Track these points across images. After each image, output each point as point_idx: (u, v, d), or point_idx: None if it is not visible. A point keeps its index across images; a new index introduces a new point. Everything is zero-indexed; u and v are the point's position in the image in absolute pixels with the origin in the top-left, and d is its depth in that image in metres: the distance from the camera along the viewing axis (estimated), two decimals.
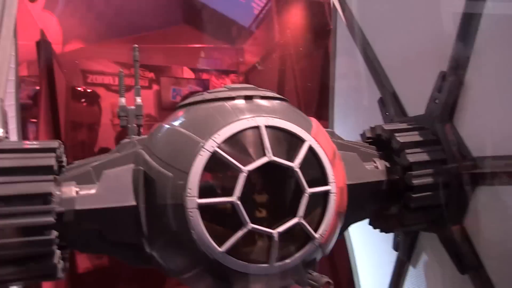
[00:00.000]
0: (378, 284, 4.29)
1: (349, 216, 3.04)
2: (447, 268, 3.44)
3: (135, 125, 3.02)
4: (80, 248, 2.72)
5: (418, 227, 3.30)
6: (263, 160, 2.30)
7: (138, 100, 3.04)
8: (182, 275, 2.53)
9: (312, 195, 2.40)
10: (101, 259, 7.81)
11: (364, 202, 3.07)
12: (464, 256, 3.16)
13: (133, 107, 3.02)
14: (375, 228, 3.40)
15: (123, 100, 3.00)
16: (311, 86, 6.73)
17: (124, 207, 2.43)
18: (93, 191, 2.45)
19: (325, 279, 2.44)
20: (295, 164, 2.35)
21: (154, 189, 2.38)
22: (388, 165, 3.08)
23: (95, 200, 2.43)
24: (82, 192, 2.44)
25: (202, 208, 2.27)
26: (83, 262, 7.61)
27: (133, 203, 2.42)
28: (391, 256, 4.01)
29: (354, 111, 4.67)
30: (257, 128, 2.39)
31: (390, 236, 3.92)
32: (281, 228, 2.30)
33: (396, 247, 3.82)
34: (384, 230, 3.32)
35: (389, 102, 3.77)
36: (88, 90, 7.74)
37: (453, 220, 3.18)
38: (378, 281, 4.30)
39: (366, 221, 4.10)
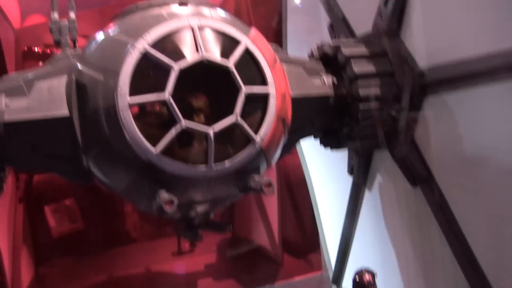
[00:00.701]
0: (336, 211, 4.30)
1: (297, 131, 3.02)
2: (400, 188, 3.45)
3: (69, 40, 2.90)
4: (16, 164, 2.64)
5: (368, 142, 3.28)
6: (196, 57, 2.23)
7: (72, 14, 2.92)
8: (120, 186, 2.47)
9: (250, 96, 2.34)
10: (76, 223, 7.76)
11: (312, 117, 3.03)
12: (415, 168, 3.17)
13: (66, 21, 2.90)
14: (325, 146, 3.38)
15: (55, 15, 2.88)
16: (267, 30, 6.62)
17: (56, 117, 2.34)
18: (24, 102, 2.35)
19: (267, 180, 2.40)
20: (230, 62, 2.28)
21: (86, 94, 2.30)
22: (335, 81, 3.04)
23: (26, 111, 2.34)
24: (12, 104, 2.34)
25: (133, 107, 2.20)
26: (58, 227, 7.56)
27: (66, 112, 2.34)
28: (349, 183, 4.02)
29: (307, 45, 4.60)
30: (190, 28, 2.31)
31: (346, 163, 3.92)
32: (217, 127, 2.24)
33: (350, 170, 3.82)
34: (334, 146, 3.30)
35: (339, 27, 3.72)
36: (47, 52, 7.50)
37: (402, 134, 3.17)
38: (336, 207, 4.32)
39: (324, 151, 4.12)
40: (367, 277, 2.55)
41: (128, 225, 7.93)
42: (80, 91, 2.31)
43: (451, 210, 3.01)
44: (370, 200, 3.87)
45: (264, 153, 2.46)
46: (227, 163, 2.34)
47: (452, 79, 2.79)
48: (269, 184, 2.38)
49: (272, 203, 5.80)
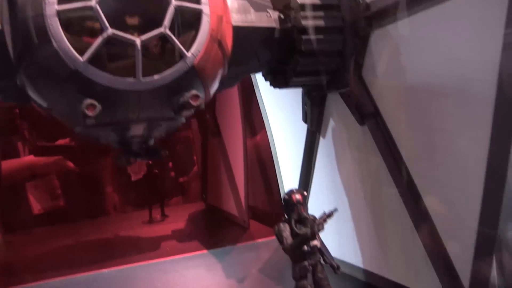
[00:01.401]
0: (294, 158, 4.30)
1: (241, 63, 3.01)
2: (350, 129, 3.46)
3: None
4: None
5: (314, 79, 3.27)
6: None
7: None
8: (51, 101, 2.44)
9: (182, 10, 2.32)
10: (57, 200, 7.76)
11: (257, 50, 3.02)
12: (362, 105, 3.17)
13: None
14: (274, 85, 3.37)
15: None
16: None
17: None
18: None
19: (194, 92, 2.39)
20: None
21: (16, 6, 2.27)
22: (282, 16, 3.03)
23: None
24: None
25: (61, 15, 2.18)
26: (39, 204, 7.57)
27: None
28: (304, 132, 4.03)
29: None
30: None
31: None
32: (144, 37, 2.22)
33: (304, 118, 3.81)
34: (282, 84, 3.29)
35: None
36: None
37: (349, 69, 3.17)
38: (293, 155, 4.31)
39: (282, 100, 4.13)
40: (296, 196, 2.54)
41: (106, 203, 7.97)
42: (10, 3, 2.28)
43: (395, 143, 3.01)
44: (324, 147, 3.87)
45: (196, 71, 2.43)
46: (156, 77, 2.31)
47: (395, 6, 2.78)
48: (196, 96, 2.37)
49: (240, 174, 5.82)
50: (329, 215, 2.42)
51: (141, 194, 7.78)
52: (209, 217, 7.30)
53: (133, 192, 8.07)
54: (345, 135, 3.55)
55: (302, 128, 4.06)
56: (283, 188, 4.74)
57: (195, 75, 2.46)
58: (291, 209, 2.54)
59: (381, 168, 3.19)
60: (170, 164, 8.52)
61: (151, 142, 2.92)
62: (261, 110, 4.78)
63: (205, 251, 4.98)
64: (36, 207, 7.57)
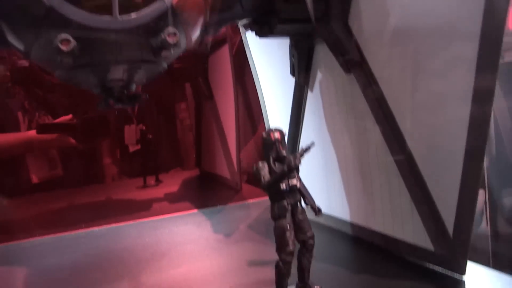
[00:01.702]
0: (283, 115, 4.25)
1: (224, 10, 2.95)
2: (337, 80, 3.41)
3: None
4: None
5: (298, 27, 3.20)
6: None
7: None
8: (28, 42, 2.39)
9: None
10: (55, 169, 7.79)
11: None
12: (348, 53, 3.11)
13: None
14: (257, 33, 3.31)
15: None
16: None
17: None
18: None
19: (171, 29, 2.34)
20: None
21: None
22: None
23: None
24: None
25: None
26: (38, 173, 7.60)
27: None
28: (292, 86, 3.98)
29: None
30: None
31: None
32: None
33: (292, 71, 3.76)
34: (267, 33, 3.22)
35: None
36: None
37: (337, 18, 3.11)
38: (283, 112, 4.27)
39: (270, 53, 4.06)
40: (275, 134, 2.50)
41: (103, 173, 8.01)
42: None
43: (380, 89, 2.97)
44: (312, 101, 3.82)
45: (175, 12, 2.38)
46: (133, 15, 2.26)
47: None
48: (173, 34, 2.32)
49: (232, 137, 5.81)
50: (306, 150, 2.39)
51: (137, 164, 7.83)
52: (202, 182, 7.33)
53: (130, 163, 8.10)
54: (332, 86, 3.50)
55: (291, 85, 4.01)
56: None
57: (173, 16, 2.40)
58: (270, 147, 2.50)
59: (368, 117, 3.15)
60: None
61: (133, 87, 2.88)
62: (252, 69, 4.71)
63: (195, 211, 4.99)
64: (35, 176, 7.60)
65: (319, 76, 3.64)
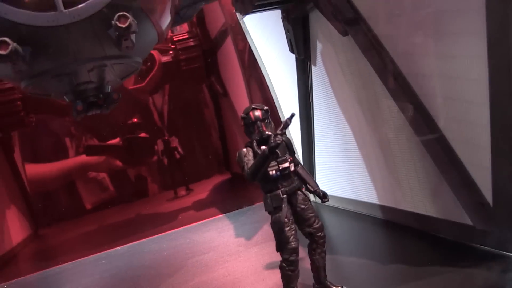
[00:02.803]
0: (292, 96, 3.88)
1: None
2: (339, 49, 3.02)
3: None
4: None
5: None
6: None
7: None
8: None
9: None
10: (106, 191, 7.82)
11: None
12: (342, 12, 2.70)
13: None
14: (240, 11, 2.98)
15: None
16: None
17: None
18: None
19: (119, 13, 2.03)
20: None
21: None
22: None
23: None
24: None
25: None
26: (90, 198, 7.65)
27: None
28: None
29: None
30: None
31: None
32: None
33: (290, 47, 3.39)
34: (247, 7, 2.87)
35: None
36: None
37: None
38: (291, 93, 3.90)
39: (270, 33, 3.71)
40: (255, 113, 2.15)
41: (143, 190, 7.94)
42: None
43: (382, 45, 2.54)
44: (318, 75, 3.44)
45: None
46: (80, 6, 1.97)
47: None
48: (123, 17, 2.01)
49: None
50: (284, 125, 2.01)
51: (171, 177, 7.73)
52: (233, 184, 7.08)
53: (165, 177, 8.00)
54: (334, 56, 3.10)
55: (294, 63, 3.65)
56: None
57: (130, 1, 2.09)
58: (251, 128, 2.15)
59: (377, 84, 2.73)
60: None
61: (108, 88, 2.58)
62: (256, 55, 4.37)
63: (220, 215, 4.70)
64: (88, 202, 7.63)
65: (319, 46, 3.26)
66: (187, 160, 7.61)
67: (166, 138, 7.58)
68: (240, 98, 5.54)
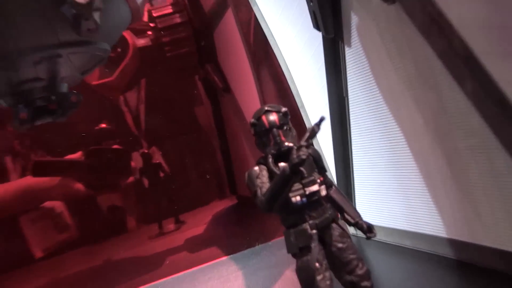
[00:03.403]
0: (317, 81, 3.92)
1: None
2: (383, 24, 3.04)
3: None
4: None
5: None
6: None
7: None
8: None
9: None
10: (63, 230, 7.89)
11: None
12: None
13: None
14: None
15: None
16: None
17: None
18: None
19: None
20: None
21: None
22: None
23: None
24: None
25: None
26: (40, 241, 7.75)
27: None
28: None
29: None
30: None
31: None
32: None
33: (315, 22, 3.42)
34: None
35: None
36: None
37: None
38: (315, 78, 3.93)
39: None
40: (270, 117, 2.16)
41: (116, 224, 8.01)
42: None
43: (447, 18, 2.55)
44: (354, 61, 3.47)
45: None
46: None
47: None
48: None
49: None
50: (311, 133, 2.01)
51: (155, 205, 7.80)
52: (240, 213, 7.13)
53: (146, 205, 8.06)
54: (375, 33, 3.12)
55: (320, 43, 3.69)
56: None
57: None
58: (266, 139, 2.17)
59: (436, 67, 2.74)
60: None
61: (63, 88, 2.62)
62: (267, 35, 4.42)
63: (224, 258, 4.73)
64: (37, 249, 7.64)
65: (354, 20, 3.29)
66: (175, 181, 7.63)
67: (146, 151, 7.59)
68: (248, 95, 5.60)
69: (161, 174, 7.61)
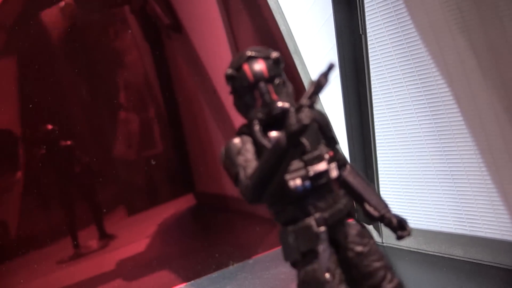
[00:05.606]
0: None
1: None
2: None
3: None
4: None
5: None
6: None
7: None
8: None
9: None
10: None
11: None
12: None
13: None
14: None
15: None
16: None
17: None
18: None
19: None
20: None
21: None
22: None
23: None
24: None
25: None
26: None
27: None
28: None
29: None
30: None
31: None
32: None
33: None
34: None
35: None
36: None
37: None
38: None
39: None
40: (255, 67, 2.23)
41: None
42: None
43: None
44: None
45: None
46: None
47: None
48: None
49: None
50: (316, 87, 2.05)
51: (66, 212, 7.85)
52: (201, 219, 7.22)
53: (48, 213, 8.14)
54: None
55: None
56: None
57: None
58: (249, 99, 2.26)
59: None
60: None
61: None
62: None
63: (181, 286, 4.88)
64: None
65: None
66: (98, 174, 7.62)
67: (49, 127, 7.58)
68: (211, 34, 5.73)
69: (75, 164, 7.58)
